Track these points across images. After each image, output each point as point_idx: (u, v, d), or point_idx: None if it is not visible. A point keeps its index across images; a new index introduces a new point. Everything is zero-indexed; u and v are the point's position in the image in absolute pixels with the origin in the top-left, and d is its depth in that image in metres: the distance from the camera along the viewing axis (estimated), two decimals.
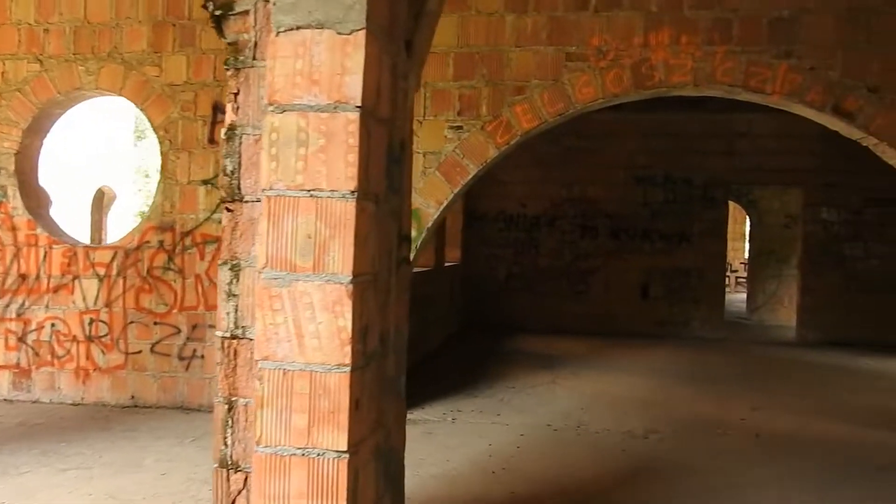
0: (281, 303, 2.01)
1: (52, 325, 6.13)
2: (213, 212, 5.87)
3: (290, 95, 2.03)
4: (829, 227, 10.71)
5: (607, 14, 5.51)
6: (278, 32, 2.04)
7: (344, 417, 1.97)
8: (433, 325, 9.21)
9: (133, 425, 5.54)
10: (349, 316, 1.97)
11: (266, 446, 2.01)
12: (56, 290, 6.12)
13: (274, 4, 2.02)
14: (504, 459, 4.95)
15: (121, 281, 6.07)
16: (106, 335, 6.08)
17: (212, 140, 5.91)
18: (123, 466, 4.61)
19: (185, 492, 4.18)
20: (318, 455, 1.98)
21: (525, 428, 5.75)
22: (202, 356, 5.95)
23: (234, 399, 2.39)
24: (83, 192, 17.60)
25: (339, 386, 1.98)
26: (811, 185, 10.77)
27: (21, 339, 6.15)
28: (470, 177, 5.64)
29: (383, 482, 2.43)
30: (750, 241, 13.93)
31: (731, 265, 16.91)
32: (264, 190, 2.03)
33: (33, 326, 6.14)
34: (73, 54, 6.10)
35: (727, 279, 14.43)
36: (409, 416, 5.86)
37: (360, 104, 1.99)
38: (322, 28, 2.01)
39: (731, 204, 13.40)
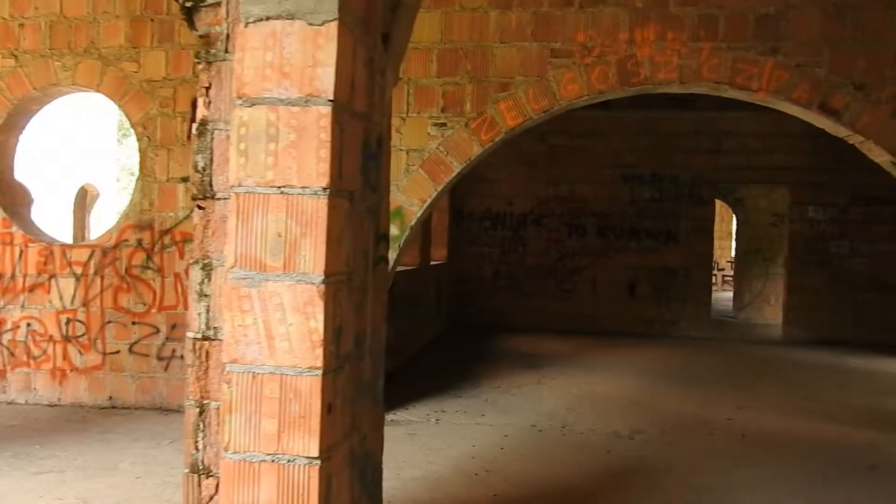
0: (250, 303, 1.94)
1: (28, 324, 6.01)
2: (193, 210, 5.75)
3: (260, 88, 1.96)
4: (816, 225, 10.73)
5: (592, 10, 5.46)
6: (247, 23, 1.97)
7: (315, 422, 1.91)
8: (418, 324, 9.13)
9: (110, 427, 5.44)
10: (321, 317, 1.91)
11: (235, 452, 1.94)
12: (32, 289, 6.00)
13: None
14: (488, 461, 4.89)
15: (98, 280, 5.95)
16: (83, 335, 5.96)
17: (191, 137, 5.80)
18: (98, 469, 4.51)
19: (159, 496, 4.10)
20: (289, 461, 1.92)
21: (510, 428, 5.70)
22: (181, 356, 5.84)
23: (205, 402, 2.32)
24: (67, 191, 17.40)
25: (310, 390, 1.91)
26: (798, 183, 10.78)
27: None
28: (454, 174, 5.58)
29: (359, 488, 2.36)
30: (737, 239, 13.94)
31: (717, 264, 16.95)
32: (233, 186, 1.96)
33: (8, 326, 6.02)
34: (49, 49, 5.98)
35: (714, 278, 14.43)
36: (391, 416, 5.81)
37: (332, 98, 1.92)
38: (293, 19, 1.95)
39: (718, 202, 13.42)
